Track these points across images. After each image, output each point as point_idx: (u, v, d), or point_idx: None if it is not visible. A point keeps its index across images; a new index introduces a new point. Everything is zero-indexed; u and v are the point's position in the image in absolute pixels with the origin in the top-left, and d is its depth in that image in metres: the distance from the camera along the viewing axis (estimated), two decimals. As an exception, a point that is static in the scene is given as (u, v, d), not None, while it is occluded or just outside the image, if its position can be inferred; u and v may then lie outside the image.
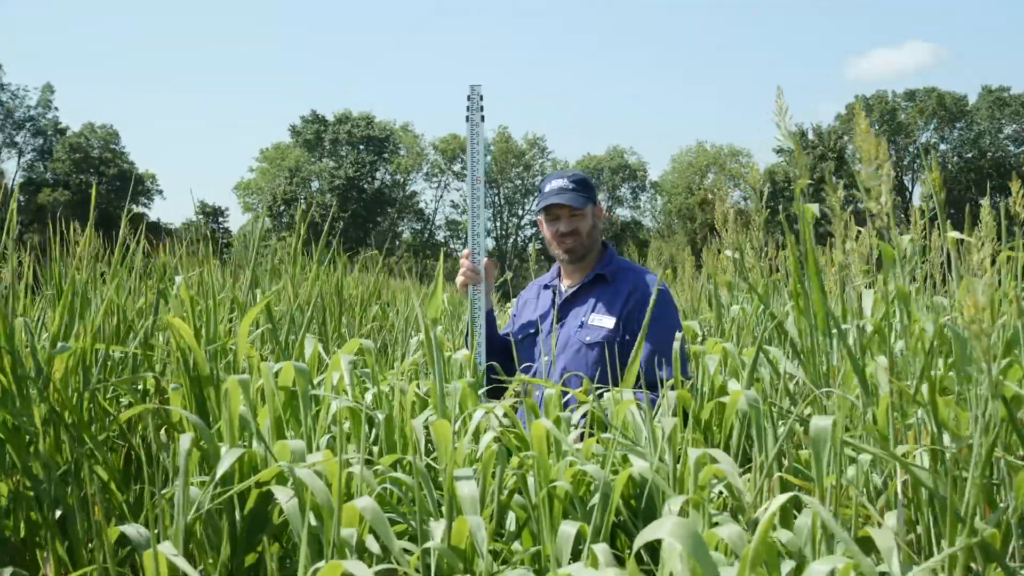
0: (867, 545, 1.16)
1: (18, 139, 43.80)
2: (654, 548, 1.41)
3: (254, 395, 1.66)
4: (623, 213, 51.41)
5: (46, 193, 42.39)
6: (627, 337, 2.66)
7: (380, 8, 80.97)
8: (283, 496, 1.24)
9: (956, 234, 1.85)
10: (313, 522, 1.35)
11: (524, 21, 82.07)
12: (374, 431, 1.82)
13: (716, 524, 1.10)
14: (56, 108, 46.24)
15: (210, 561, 1.47)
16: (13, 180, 42.92)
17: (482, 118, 2.61)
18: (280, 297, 3.03)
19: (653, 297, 2.19)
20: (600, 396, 1.90)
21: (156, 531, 1.22)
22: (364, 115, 48.44)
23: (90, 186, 43.24)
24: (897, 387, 1.19)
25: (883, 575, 1.00)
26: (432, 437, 1.55)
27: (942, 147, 46.35)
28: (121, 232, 2.27)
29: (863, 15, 76.51)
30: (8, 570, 1.28)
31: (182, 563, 1.07)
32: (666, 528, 0.86)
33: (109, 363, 1.93)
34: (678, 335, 1.96)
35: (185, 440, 1.27)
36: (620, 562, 1.42)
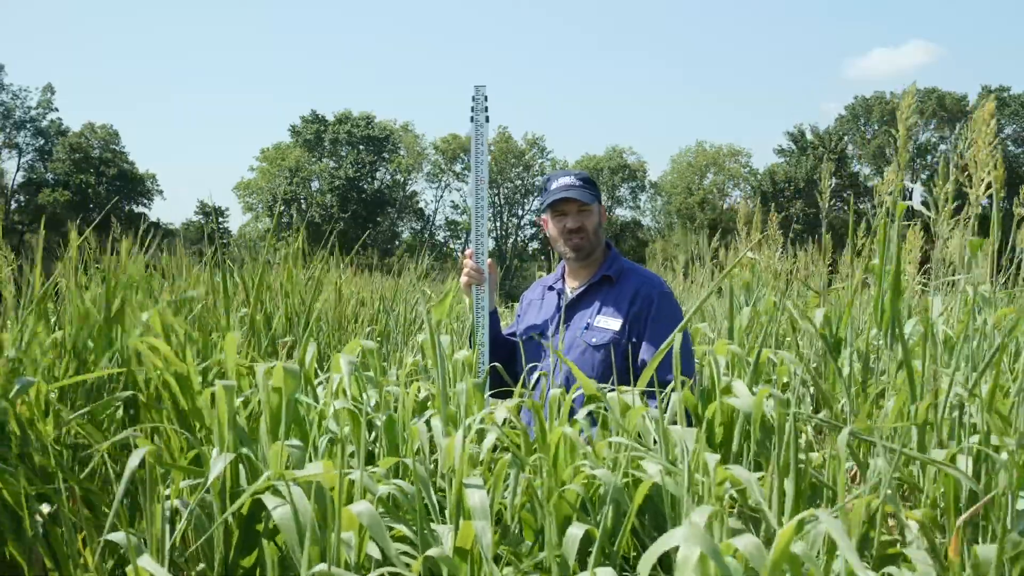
0: (892, 555, 1.13)
1: (18, 140, 43.73)
2: (665, 554, 1.38)
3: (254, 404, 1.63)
4: (623, 213, 51.41)
5: (46, 193, 42.35)
6: (633, 339, 2.64)
7: (381, 8, 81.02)
8: (276, 509, 1.21)
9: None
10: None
11: (524, 21, 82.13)
12: (374, 433, 1.80)
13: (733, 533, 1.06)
14: (56, 109, 46.17)
15: (199, 568, 1.44)
16: (13, 180, 42.90)
17: (487, 119, 2.60)
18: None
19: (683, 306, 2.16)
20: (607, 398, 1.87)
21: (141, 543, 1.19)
22: (364, 115, 48.42)
23: (90, 186, 43.25)
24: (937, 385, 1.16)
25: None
26: (436, 440, 1.52)
27: (942, 147, 46.36)
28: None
29: (863, 15, 76.58)
30: None
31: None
32: (679, 535, 0.82)
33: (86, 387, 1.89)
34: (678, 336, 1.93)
35: (135, 457, 1.24)
36: (629, 566, 1.39)
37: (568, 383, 2.46)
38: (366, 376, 1.93)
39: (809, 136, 45.87)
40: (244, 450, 1.44)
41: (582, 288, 2.79)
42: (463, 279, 2.71)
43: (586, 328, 2.70)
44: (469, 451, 1.49)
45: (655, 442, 1.48)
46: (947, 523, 1.11)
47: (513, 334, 2.97)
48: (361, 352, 2.10)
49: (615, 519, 1.29)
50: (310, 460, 1.56)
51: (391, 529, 1.35)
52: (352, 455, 1.58)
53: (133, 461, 1.26)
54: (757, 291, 3.70)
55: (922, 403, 1.08)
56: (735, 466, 1.21)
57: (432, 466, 1.61)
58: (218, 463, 1.29)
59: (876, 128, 45.65)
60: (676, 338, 1.78)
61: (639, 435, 1.61)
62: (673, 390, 1.74)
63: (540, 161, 51.32)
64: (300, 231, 3.41)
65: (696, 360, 2.59)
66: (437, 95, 75.83)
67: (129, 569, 1.11)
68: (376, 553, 1.34)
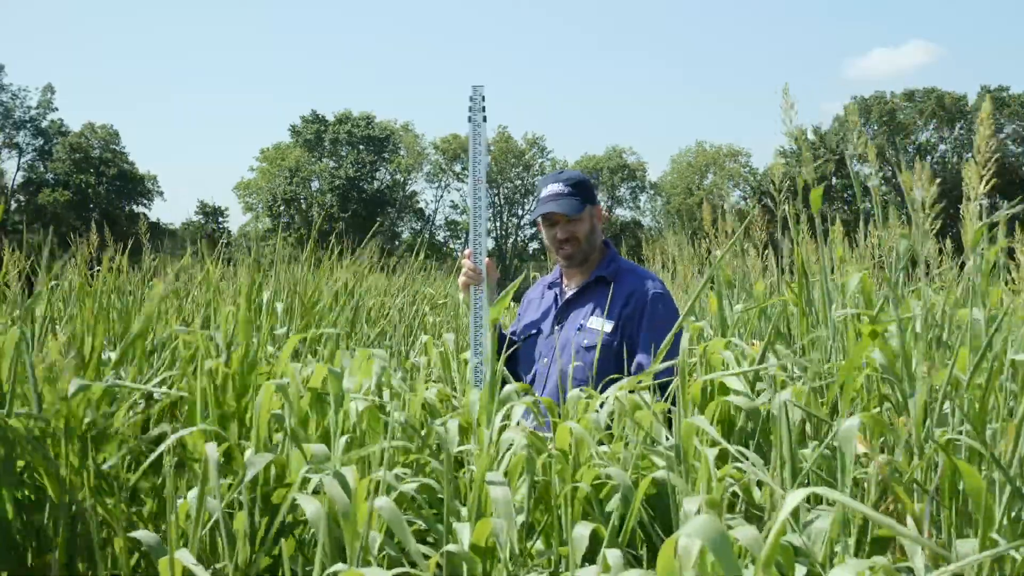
0: (885, 545, 1.16)
1: (18, 139, 43.72)
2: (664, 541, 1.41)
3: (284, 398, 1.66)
4: (623, 213, 51.39)
5: (46, 193, 42.34)
6: (625, 341, 2.62)
7: (380, 8, 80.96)
8: (308, 504, 1.24)
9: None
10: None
11: (524, 21, 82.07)
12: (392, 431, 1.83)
13: (730, 527, 1.09)
14: (56, 108, 46.15)
15: (219, 566, 1.46)
16: (13, 180, 42.88)
17: (484, 118, 2.58)
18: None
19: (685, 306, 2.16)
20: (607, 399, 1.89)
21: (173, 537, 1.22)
22: (364, 115, 48.42)
23: (90, 186, 43.23)
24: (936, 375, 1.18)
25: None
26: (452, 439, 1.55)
27: (941, 147, 46.31)
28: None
29: (863, 15, 76.46)
30: None
31: (201, 573, 1.06)
32: (692, 527, 0.85)
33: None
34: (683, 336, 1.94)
35: (212, 450, 1.26)
36: (637, 560, 1.42)
37: (564, 382, 2.46)
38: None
39: (811, 137, 45.79)
40: (289, 449, 1.47)
41: (578, 288, 2.79)
42: (461, 279, 2.67)
43: (579, 329, 2.70)
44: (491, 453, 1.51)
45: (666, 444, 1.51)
46: (942, 515, 1.14)
47: (514, 332, 2.97)
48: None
49: (624, 515, 1.31)
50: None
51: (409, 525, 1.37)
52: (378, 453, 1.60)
53: (212, 452, 1.28)
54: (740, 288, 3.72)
55: (919, 394, 1.11)
56: (740, 447, 1.23)
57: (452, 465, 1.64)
58: (257, 462, 1.31)
59: (876, 129, 45.58)
60: (671, 339, 1.80)
61: (651, 437, 1.63)
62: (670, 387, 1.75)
63: (540, 161, 51.30)
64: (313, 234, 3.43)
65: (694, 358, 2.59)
66: (437, 95, 75.72)
67: (164, 562, 1.13)
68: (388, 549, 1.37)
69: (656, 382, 1.84)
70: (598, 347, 2.35)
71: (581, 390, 1.86)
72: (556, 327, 2.76)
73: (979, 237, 1.28)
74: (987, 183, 1.32)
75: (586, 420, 1.58)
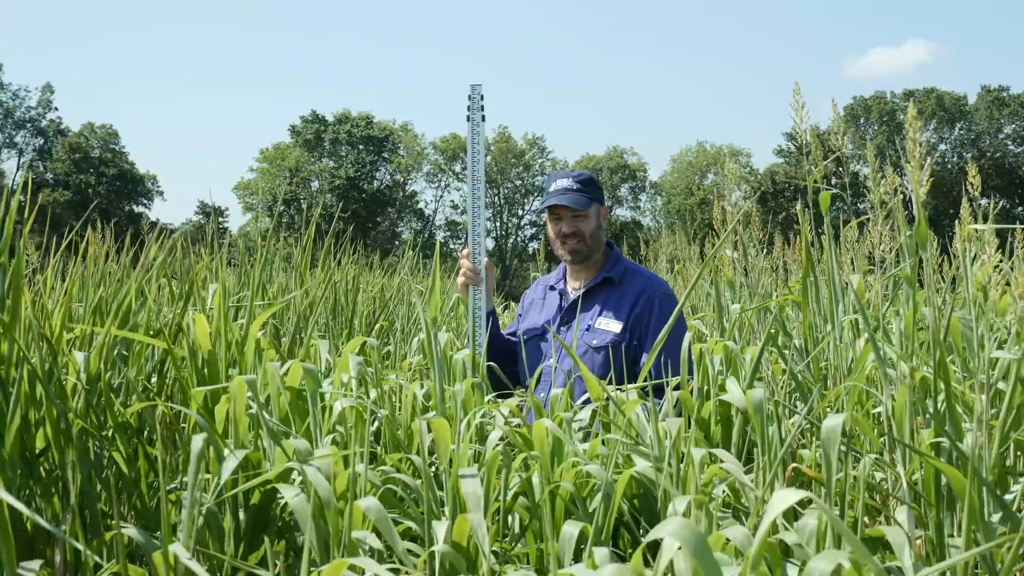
0: (877, 544, 1.16)
1: (18, 139, 43.74)
2: (659, 545, 1.41)
3: (263, 394, 1.66)
4: (623, 213, 51.39)
5: (46, 193, 42.32)
6: (634, 342, 2.64)
7: (381, 8, 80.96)
8: (289, 493, 1.24)
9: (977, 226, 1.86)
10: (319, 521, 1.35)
11: (525, 20, 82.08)
12: (377, 429, 1.82)
13: (720, 526, 1.09)
14: (56, 108, 46.17)
15: (212, 563, 1.47)
16: (13, 180, 42.85)
17: (483, 118, 2.58)
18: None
19: (677, 309, 2.16)
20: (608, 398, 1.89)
21: (165, 531, 1.22)
22: (364, 115, 48.43)
23: (90, 186, 43.22)
24: (917, 375, 1.19)
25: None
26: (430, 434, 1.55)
27: (941, 147, 46.27)
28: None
29: (863, 15, 76.52)
30: (36, 562, 1.26)
31: (195, 566, 1.07)
32: (669, 528, 0.85)
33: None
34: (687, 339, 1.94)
35: (197, 441, 1.26)
36: (623, 561, 1.42)
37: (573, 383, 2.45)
38: (367, 372, 1.96)
39: (808, 138, 45.69)
40: (266, 443, 1.47)
41: (584, 289, 2.79)
42: (459, 280, 2.68)
43: (587, 329, 2.70)
44: (468, 448, 1.52)
45: (650, 442, 1.51)
46: (927, 513, 1.14)
47: (513, 333, 2.97)
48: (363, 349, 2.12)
49: (604, 515, 1.32)
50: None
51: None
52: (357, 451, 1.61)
53: (196, 444, 1.28)
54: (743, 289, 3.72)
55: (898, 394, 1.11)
56: (719, 450, 1.23)
57: (433, 462, 1.64)
58: (230, 460, 1.31)
59: (875, 129, 45.58)
60: (672, 339, 1.80)
61: (637, 434, 1.63)
62: (674, 389, 1.76)
63: (540, 161, 51.31)
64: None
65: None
66: (437, 95, 75.71)
67: (157, 555, 1.14)
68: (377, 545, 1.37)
69: (653, 383, 1.85)
70: (606, 347, 2.36)
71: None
72: (563, 328, 2.76)
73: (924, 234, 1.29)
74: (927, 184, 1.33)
75: (560, 417, 1.58)
